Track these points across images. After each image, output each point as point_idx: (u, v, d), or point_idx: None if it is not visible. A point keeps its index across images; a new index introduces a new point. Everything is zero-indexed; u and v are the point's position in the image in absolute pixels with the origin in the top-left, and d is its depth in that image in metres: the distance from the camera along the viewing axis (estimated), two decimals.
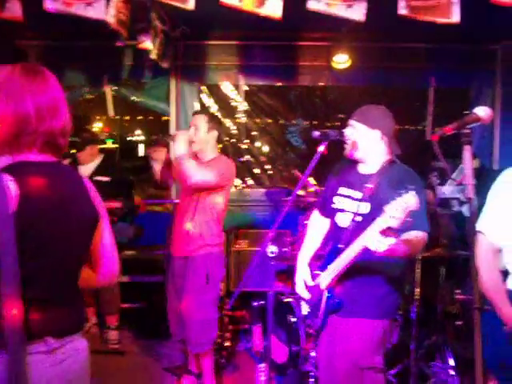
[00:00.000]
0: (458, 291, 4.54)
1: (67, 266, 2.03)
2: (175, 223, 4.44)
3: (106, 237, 2.21)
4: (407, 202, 2.45)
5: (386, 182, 3.00)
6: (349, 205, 3.18)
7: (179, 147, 4.09)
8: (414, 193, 2.45)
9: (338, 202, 3.26)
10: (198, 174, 4.04)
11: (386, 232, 2.53)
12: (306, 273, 3.35)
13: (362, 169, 3.24)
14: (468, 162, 2.14)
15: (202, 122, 4.29)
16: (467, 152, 2.15)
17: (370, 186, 3.07)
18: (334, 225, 3.30)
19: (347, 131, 3.19)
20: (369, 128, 3.13)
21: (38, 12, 3.62)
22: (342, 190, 3.26)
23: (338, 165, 3.44)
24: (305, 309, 3.34)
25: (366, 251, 2.73)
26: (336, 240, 3.17)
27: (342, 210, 3.22)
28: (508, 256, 2.70)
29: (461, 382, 4.10)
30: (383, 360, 3.18)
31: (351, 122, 3.19)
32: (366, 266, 3.02)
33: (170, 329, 4.48)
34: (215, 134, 4.34)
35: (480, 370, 1.91)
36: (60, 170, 2.07)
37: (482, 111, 2.27)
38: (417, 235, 2.89)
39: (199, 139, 4.28)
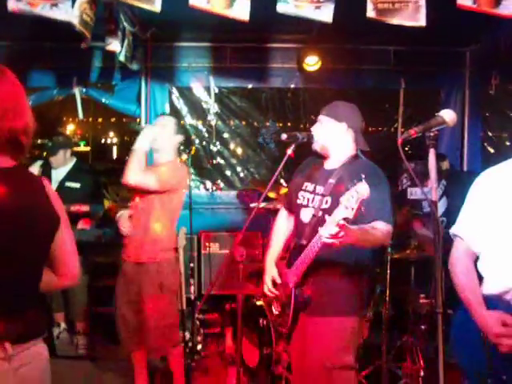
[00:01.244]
0: (422, 295, 4.58)
1: (26, 272, 2.01)
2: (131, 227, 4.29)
3: (66, 240, 2.19)
4: (359, 191, 2.47)
5: (347, 176, 3.01)
6: (313, 200, 3.20)
7: (142, 140, 4.04)
8: (364, 182, 2.47)
9: (302, 198, 3.28)
10: (138, 175, 3.97)
11: (342, 224, 2.54)
12: (274, 272, 3.35)
13: (327, 164, 3.27)
14: (432, 165, 2.15)
15: (169, 123, 4.25)
16: (432, 155, 2.17)
17: (331, 180, 3.09)
18: (299, 221, 3.31)
19: (315, 126, 3.24)
20: (336, 121, 3.18)
21: (3, 13, 3.55)
22: (307, 186, 3.27)
23: (304, 161, 3.47)
24: (276, 308, 3.34)
25: (325, 245, 2.74)
26: (299, 236, 3.19)
27: (305, 206, 3.23)
28: (483, 261, 2.68)
29: (431, 382, 4.13)
30: (354, 358, 3.18)
31: (319, 117, 3.25)
32: (332, 264, 3.04)
33: (120, 338, 4.32)
34: (179, 138, 4.29)
35: (442, 371, 1.92)
36: (18, 174, 2.03)
37: (446, 114, 2.29)
38: (377, 225, 2.91)
39: (163, 140, 4.19)
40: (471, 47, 6.29)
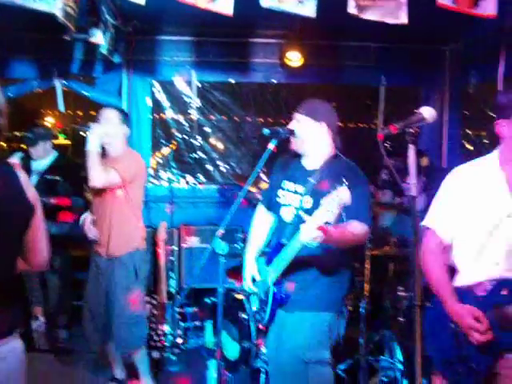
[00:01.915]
0: (401, 288, 4.63)
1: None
2: (96, 223, 4.31)
3: (38, 227, 2.19)
4: (340, 196, 2.51)
5: (327, 176, 3.04)
6: (293, 199, 3.22)
7: (92, 141, 4.00)
8: (346, 187, 2.51)
9: (282, 197, 3.30)
10: (102, 177, 4.00)
11: (324, 227, 2.57)
12: (254, 268, 3.38)
13: (306, 163, 3.28)
14: (412, 161, 2.18)
15: (112, 115, 4.23)
16: (411, 151, 2.20)
17: (312, 180, 3.12)
18: (278, 219, 3.33)
19: (292, 125, 3.23)
20: (314, 121, 3.18)
21: None
22: (287, 184, 3.29)
23: (282, 158, 3.48)
24: (255, 304, 3.36)
25: (306, 246, 2.78)
26: (280, 235, 3.22)
27: (286, 205, 3.25)
28: (456, 252, 2.74)
29: (409, 375, 4.18)
30: (330, 354, 3.20)
31: (297, 115, 3.24)
32: (309, 260, 3.07)
33: (85, 335, 4.36)
34: (126, 129, 4.29)
35: (419, 363, 1.96)
36: None
37: (426, 111, 2.32)
38: (354, 225, 2.94)
39: (112, 133, 4.18)
40: (451, 46, 6.35)
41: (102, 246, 4.24)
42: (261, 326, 3.39)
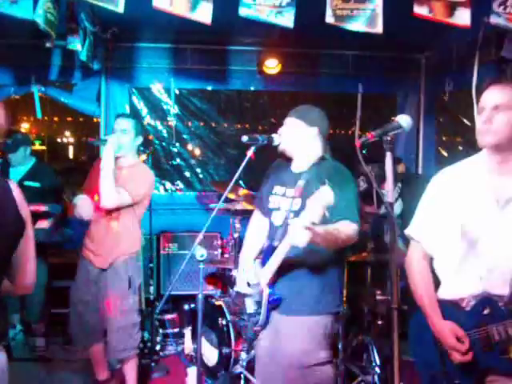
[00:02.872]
0: (378, 292, 4.68)
1: None
2: (92, 229, 4.30)
3: (28, 251, 2.17)
4: (323, 195, 2.54)
5: (315, 178, 3.08)
6: (283, 203, 3.25)
7: (107, 158, 4.01)
8: (328, 187, 2.54)
9: (273, 202, 3.33)
10: (114, 199, 4.01)
11: (309, 227, 2.60)
12: (249, 271, 3.39)
13: (295, 167, 3.31)
14: (389, 168, 2.22)
15: (129, 126, 4.23)
16: (389, 158, 2.24)
17: (300, 182, 3.15)
18: (270, 223, 3.36)
19: (283, 128, 3.27)
20: (307, 125, 3.22)
21: None
22: (277, 189, 3.33)
23: (273, 165, 3.52)
24: (250, 307, 3.37)
25: (295, 247, 2.80)
26: (272, 238, 3.24)
27: (277, 209, 3.29)
28: (438, 263, 2.71)
29: (387, 379, 4.23)
30: (330, 352, 3.20)
31: (289, 119, 3.27)
32: (302, 263, 3.09)
33: (70, 334, 4.38)
34: (140, 139, 4.32)
35: (397, 366, 1.98)
36: None
37: (403, 119, 2.37)
38: (343, 225, 2.96)
39: (127, 145, 4.21)
40: (426, 54, 6.46)
41: (100, 256, 4.22)
42: (256, 328, 3.39)
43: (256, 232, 3.58)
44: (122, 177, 4.14)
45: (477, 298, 2.47)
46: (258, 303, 3.27)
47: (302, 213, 2.67)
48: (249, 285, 3.38)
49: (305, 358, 3.08)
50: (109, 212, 4.16)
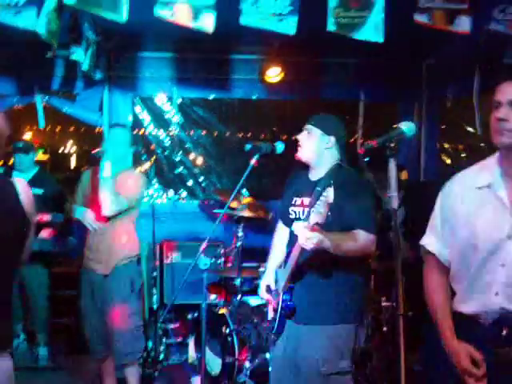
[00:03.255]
0: (383, 298, 4.67)
1: None
2: (91, 239, 4.37)
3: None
4: (326, 195, 2.54)
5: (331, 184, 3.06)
6: (302, 213, 3.24)
7: (107, 167, 4.10)
8: (331, 187, 2.54)
9: (293, 213, 3.33)
10: (113, 206, 4.14)
11: (315, 228, 2.61)
12: (270, 278, 3.41)
13: (312, 175, 3.31)
14: (392, 174, 2.21)
15: (123, 136, 4.38)
16: (392, 164, 2.23)
17: (319, 189, 3.13)
18: (290, 232, 3.35)
19: (301, 136, 3.26)
20: (324, 134, 3.21)
21: None
22: (296, 200, 3.33)
23: (292, 175, 3.51)
24: (270, 314, 3.39)
25: (304, 251, 2.82)
26: (292, 246, 3.22)
27: (297, 219, 3.28)
28: (452, 274, 2.50)
29: None
30: (350, 362, 3.16)
31: (307, 126, 3.26)
32: (319, 270, 3.09)
33: (92, 347, 4.41)
34: (133, 150, 4.48)
35: (403, 373, 1.97)
36: None
37: (406, 126, 2.36)
38: (357, 234, 2.95)
39: (121, 154, 4.32)
40: (428, 61, 6.46)
41: (100, 262, 4.28)
42: (272, 336, 3.39)
43: (279, 242, 3.57)
44: (120, 185, 4.23)
45: (494, 315, 2.26)
46: (275, 310, 3.28)
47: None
48: (270, 291, 3.39)
49: (324, 367, 3.05)
50: (106, 219, 4.24)
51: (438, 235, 2.52)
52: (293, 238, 3.21)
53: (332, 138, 3.22)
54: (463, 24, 3.73)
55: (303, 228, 2.68)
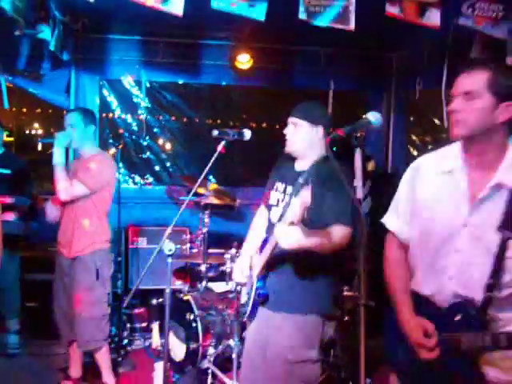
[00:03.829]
0: (346, 288, 4.71)
1: None
2: (61, 222, 4.41)
3: None
4: (303, 196, 2.53)
5: (314, 178, 3.05)
6: (282, 200, 3.23)
7: (57, 154, 4.13)
8: (309, 188, 2.53)
9: (273, 198, 3.32)
10: (68, 191, 4.14)
11: (292, 225, 2.61)
12: (245, 262, 3.39)
13: (299, 165, 3.27)
14: (358, 165, 2.22)
15: (76, 119, 4.29)
16: (358, 155, 2.24)
17: (300, 180, 3.11)
18: (268, 218, 3.36)
19: (288, 129, 3.19)
20: (312, 125, 3.14)
21: None
22: (278, 186, 3.31)
23: (278, 161, 3.46)
24: (243, 297, 3.39)
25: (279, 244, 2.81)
26: (268, 233, 3.21)
27: (275, 205, 3.27)
28: (412, 255, 2.59)
29: (354, 375, 4.26)
30: (318, 351, 3.16)
31: (293, 119, 3.18)
32: (291, 261, 3.09)
33: (59, 331, 4.45)
34: (92, 128, 4.37)
35: (363, 363, 1.99)
36: None
37: (372, 116, 2.36)
38: (334, 229, 2.93)
39: (78, 137, 4.28)
40: (398, 53, 6.51)
41: (65, 246, 4.30)
42: (244, 320, 3.40)
43: (258, 226, 3.56)
44: (82, 168, 4.25)
45: (448, 298, 2.33)
46: (248, 295, 3.29)
47: (287, 212, 2.67)
48: (244, 275, 3.40)
49: (291, 355, 3.07)
50: (69, 205, 4.26)
51: (399, 215, 2.61)
52: (271, 226, 3.21)
53: (320, 129, 3.15)
54: (433, 17, 3.77)
55: (282, 224, 2.68)
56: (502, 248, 2.18)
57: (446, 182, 2.38)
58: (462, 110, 2.22)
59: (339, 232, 2.94)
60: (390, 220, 2.69)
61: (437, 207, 2.39)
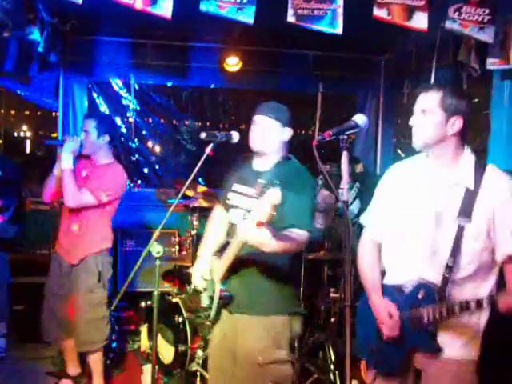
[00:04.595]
0: (332, 289, 4.73)
1: None
2: (63, 225, 4.37)
3: None
4: (272, 196, 2.53)
5: (275, 179, 3.05)
6: (241, 201, 3.21)
7: (65, 158, 4.08)
8: (278, 188, 2.53)
9: (231, 198, 3.29)
10: (76, 198, 4.09)
11: (258, 225, 2.59)
12: (204, 266, 3.36)
13: (257, 165, 3.27)
14: (345, 167, 2.24)
15: (90, 126, 4.23)
16: (344, 157, 2.26)
17: (260, 182, 3.11)
18: (229, 220, 3.33)
19: (256, 128, 3.19)
20: (283, 126, 3.16)
21: None
22: (236, 187, 3.29)
23: (236, 162, 3.48)
24: (205, 301, 3.36)
25: (245, 246, 2.80)
26: (229, 234, 3.21)
27: (234, 206, 3.26)
28: (383, 251, 2.88)
29: (342, 377, 4.27)
30: (288, 351, 3.15)
31: (261, 117, 3.18)
32: (254, 262, 3.07)
33: (41, 327, 4.38)
34: (106, 138, 4.30)
35: (349, 362, 2.01)
36: None
37: (359, 119, 2.39)
38: (294, 232, 2.93)
39: (89, 145, 4.24)
40: (386, 56, 6.54)
41: (68, 252, 4.26)
42: (208, 323, 3.38)
43: (215, 227, 3.55)
44: (96, 176, 4.22)
45: (414, 283, 2.65)
46: (211, 298, 3.27)
47: (252, 211, 2.65)
48: (204, 280, 3.37)
49: (261, 356, 3.06)
50: (76, 211, 4.20)
51: (374, 213, 2.94)
52: (232, 227, 3.19)
53: (290, 130, 3.19)
54: (420, 20, 3.79)
55: (247, 224, 2.65)
56: (459, 234, 2.53)
57: (414, 183, 2.72)
58: (419, 124, 2.63)
59: (296, 235, 2.95)
60: (365, 217, 3.01)
61: (406, 206, 2.72)
